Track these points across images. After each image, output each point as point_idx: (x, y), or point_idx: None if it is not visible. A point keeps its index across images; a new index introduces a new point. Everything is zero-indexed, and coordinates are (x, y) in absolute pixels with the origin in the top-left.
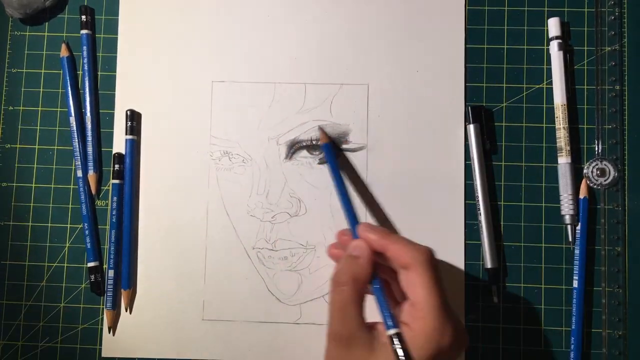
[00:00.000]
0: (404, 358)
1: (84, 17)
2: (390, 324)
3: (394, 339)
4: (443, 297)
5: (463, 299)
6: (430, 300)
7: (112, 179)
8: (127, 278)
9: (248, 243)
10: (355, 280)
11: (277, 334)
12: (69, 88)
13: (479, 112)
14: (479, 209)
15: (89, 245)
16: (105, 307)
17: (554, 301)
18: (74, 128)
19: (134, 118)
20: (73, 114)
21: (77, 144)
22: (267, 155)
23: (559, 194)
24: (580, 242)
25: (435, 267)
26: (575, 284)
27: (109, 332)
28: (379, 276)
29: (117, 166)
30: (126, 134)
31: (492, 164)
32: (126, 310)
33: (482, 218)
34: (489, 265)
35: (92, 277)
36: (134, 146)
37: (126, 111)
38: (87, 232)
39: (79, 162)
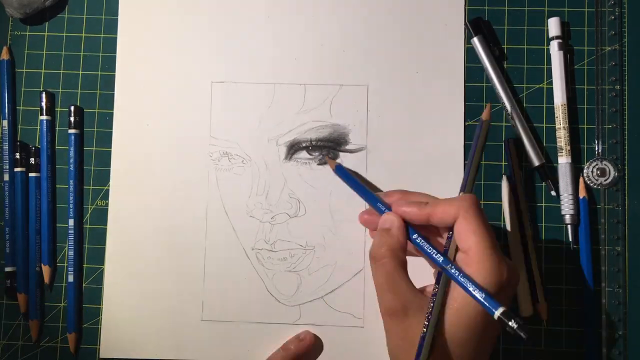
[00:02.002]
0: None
1: (72, 118)
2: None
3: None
4: (494, 240)
5: None
6: (482, 244)
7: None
8: (46, 254)
9: (247, 244)
10: (392, 250)
11: (277, 335)
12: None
13: (477, 24)
14: (507, 108)
15: (7, 250)
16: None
17: (554, 301)
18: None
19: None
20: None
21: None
22: (266, 156)
23: (559, 193)
24: (581, 242)
25: (482, 212)
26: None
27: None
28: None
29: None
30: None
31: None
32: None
33: (515, 117)
34: (536, 163)
35: (8, 282)
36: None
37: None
38: (7, 236)
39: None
